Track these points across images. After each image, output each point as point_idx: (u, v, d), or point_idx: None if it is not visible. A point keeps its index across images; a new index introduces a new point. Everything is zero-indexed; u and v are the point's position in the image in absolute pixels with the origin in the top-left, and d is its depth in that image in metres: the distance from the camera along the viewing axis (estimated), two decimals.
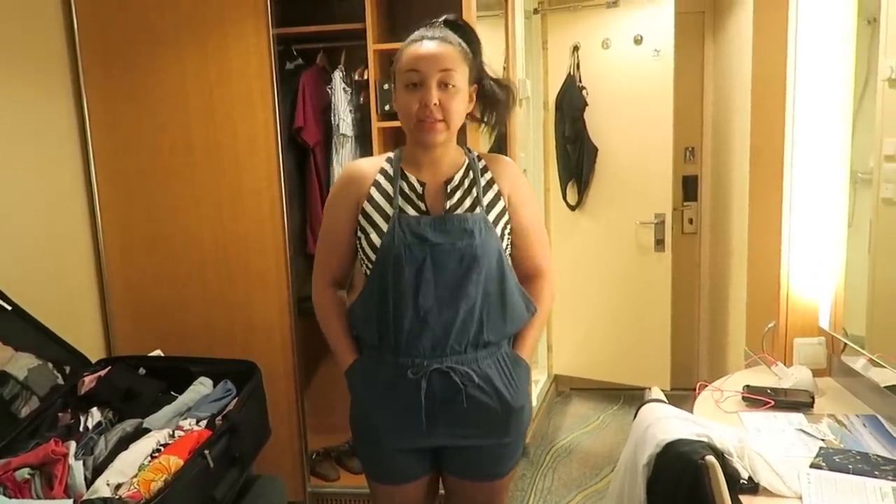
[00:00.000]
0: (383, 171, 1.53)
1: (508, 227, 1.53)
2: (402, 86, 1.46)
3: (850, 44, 1.92)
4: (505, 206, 1.52)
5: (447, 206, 1.47)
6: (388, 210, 1.48)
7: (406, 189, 1.50)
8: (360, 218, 1.50)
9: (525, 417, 1.56)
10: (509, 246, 1.55)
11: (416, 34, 1.48)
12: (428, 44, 1.44)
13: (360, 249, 1.53)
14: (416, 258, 1.42)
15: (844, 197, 1.97)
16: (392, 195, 1.49)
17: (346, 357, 1.57)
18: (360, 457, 1.68)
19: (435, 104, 1.42)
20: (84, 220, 2.48)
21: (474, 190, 1.50)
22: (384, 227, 1.46)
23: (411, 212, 1.48)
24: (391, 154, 1.56)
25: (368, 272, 1.51)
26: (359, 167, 1.56)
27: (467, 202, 1.49)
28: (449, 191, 1.49)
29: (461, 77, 1.45)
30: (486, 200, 1.50)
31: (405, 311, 1.44)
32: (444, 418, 1.48)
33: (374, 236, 1.47)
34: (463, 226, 1.44)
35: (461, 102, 1.46)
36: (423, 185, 1.49)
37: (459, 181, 1.50)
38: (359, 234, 1.51)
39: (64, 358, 2.07)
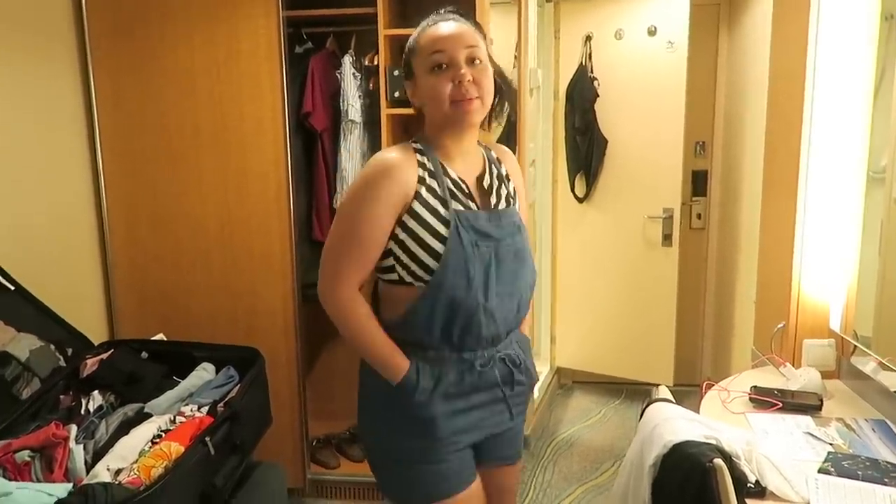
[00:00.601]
0: (423, 167, 1.39)
1: None
2: (427, 70, 1.37)
3: (872, 42, 1.88)
4: (517, 200, 1.53)
5: (493, 202, 1.45)
6: (442, 210, 1.37)
7: (452, 185, 1.41)
8: (408, 219, 1.36)
9: None
10: None
11: (429, 19, 1.44)
12: (446, 24, 1.39)
13: (401, 253, 1.37)
14: (484, 256, 1.38)
15: (860, 197, 1.93)
16: (441, 193, 1.38)
17: (401, 363, 1.40)
18: (417, 476, 1.44)
19: (469, 80, 1.35)
20: (89, 200, 2.46)
21: (503, 184, 1.49)
22: (439, 228, 1.36)
23: (463, 209, 1.40)
24: (415, 145, 1.42)
25: (414, 276, 1.37)
26: (397, 161, 1.37)
27: (503, 195, 1.48)
28: (486, 186, 1.45)
29: (485, 54, 1.40)
30: (511, 193, 1.51)
31: (477, 310, 1.38)
32: (510, 402, 1.50)
33: (429, 239, 1.35)
34: (514, 220, 1.45)
35: (491, 79, 1.40)
36: (463, 180, 1.43)
37: (491, 175, 1.48)
38: (402, 236, 1.37)
39: (66, 340, 2.07)
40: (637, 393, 3.69)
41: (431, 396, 1.40)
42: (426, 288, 1.36)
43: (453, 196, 1.39)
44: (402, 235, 1.36)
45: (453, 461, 1.43)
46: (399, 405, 1.41)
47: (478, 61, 1.37)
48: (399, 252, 1.37)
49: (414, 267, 1.37)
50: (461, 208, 1.39)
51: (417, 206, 1.36)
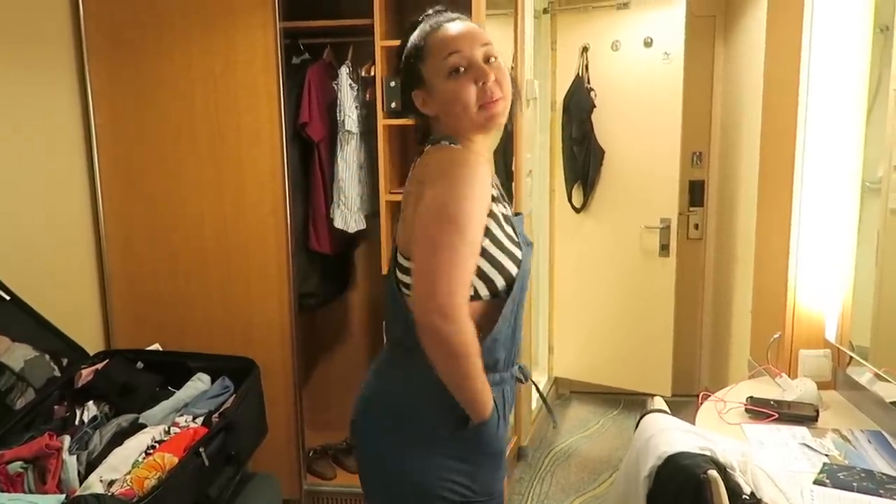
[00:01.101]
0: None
1: None
2: (445, 75, 1.26)
3: (865, 52, 1.89)
4: None
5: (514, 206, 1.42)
6: (507, 212, 1.30)
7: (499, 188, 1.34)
8: (491, 223, 1.24)
9: None
10: None
11: (430, 21, 1.32)
12: (454, 24, 1.29)
13: (484, 262, 1.23)
14: (529, 264, 1.31)
15: (855, 207, 1.94)
16: (498, 196, 1.29)
17: (490, 395, 1.25)
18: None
19: (493, 80, 1.26)
20: (86, 209, 2.46)
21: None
22: (512, 234, 1.27)
23: (510, 214, 1.32)
24: (455, 146, 1.30)
25: (493, 288, 1.25)
26: (483, 160, 1.28)
27: None
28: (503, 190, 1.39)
29: (497, 51, 1.31)
30: None
31: (521, 321, 1.32)
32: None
33: (510, 245, 1.26)
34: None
35: (508, 76, 1.31)
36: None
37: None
38: (485, 243, 1.23)
39: (61, 350, 2.06)
40: (635, 403, 3.68)
41: (503, 425, 1.30)
42: (504, 301, 1.25)
43: (502, 199, 1.32)
44: (486, 242, 1.23)
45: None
46: (474, 443, 1.27)
47: (493, 59, 1.29)
48: (482, 261, 1.23)
49: (496, 277, 1.24)
50: (509, 213, 1.31)
51: (496, 209, 1.26)
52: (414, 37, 1.33)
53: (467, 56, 1.26)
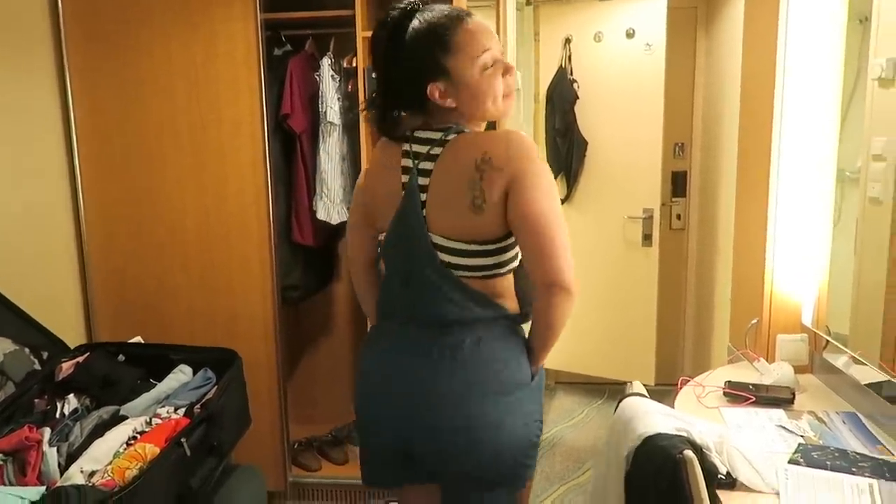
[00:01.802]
0: None
1: None
2: (479, 70, 1.37)
3: (840, 43, 1.91)
4: None
5: None
6: None
7: None
8: None
9: None
10: None
11: (450, 13, 1.38)
12: (475, 20, 1.39)
13: None
14: None
15: (831, 196, 1.96)
16: None
17: None
18: None
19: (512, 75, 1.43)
20: (66, 203, 2.45)
21: None
22: None
23: None
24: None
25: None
26: None
27: None
28: None
29: None
30: None
31: None
32: None
33: None
34: None
35: None
36: None
37: None
38: None
39: (42, 343, 2.05)
40: (619, 392, 3.65)
41: None
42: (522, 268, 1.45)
43: None
44: None
45: None
46: (539, 385, 1.53)
47: (503, 55, 1.43)
48: None
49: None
50: None
51: None
52: (426, 29, 1.37)
53: (496, 53, 1.39)
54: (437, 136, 1.42)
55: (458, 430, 1.38)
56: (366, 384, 1.53)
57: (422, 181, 1.41)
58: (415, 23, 1.38)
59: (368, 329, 1.63)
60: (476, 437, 1.38)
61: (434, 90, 1.38)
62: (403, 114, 1.46)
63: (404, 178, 1.43)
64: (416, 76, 1.39)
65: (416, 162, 1.42)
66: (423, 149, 1.43)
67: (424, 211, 1.40)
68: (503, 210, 1.35)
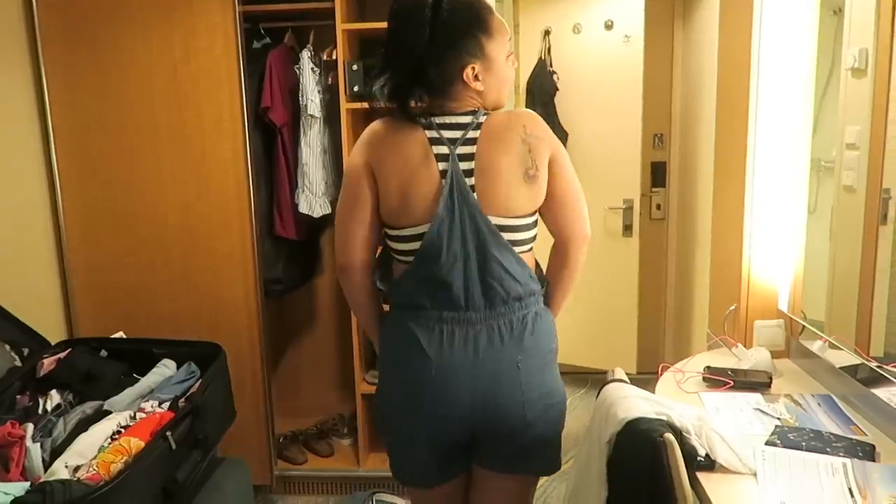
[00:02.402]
0: None
1: None
2: (505, 58, 1.47)
3: (814, 34, 1.94)
4: None
5: None
6: None
7: None
8: None
9: None
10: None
11: (487, 5, 1.45)
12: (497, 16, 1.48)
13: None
14: None
15: (805, 184, 2.00)
16: None
17: None
18: None
19: None
20: (44, 200, 2.42)
21: None
22: None
23: None
24: None
25: None
26: None
27: None
28: None
29: None
30: None
31: None
32: None
33: None
34: None
35: None
36: None
37: None
38: None
39: (22, 340, 2.03)
40: (602, 381, 3.71)
41: None
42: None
43: None
44: None
45: None
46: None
47: None
48: None
49: None
50: None
51: None
52: (468, 9, 1.41)
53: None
54: (467, 119, 1.44)
55: (536, 401, 1.48)
56: (419, 383, 1.45)
57: (464, 165, 1.42)
58: (451, 2, 1.39)
59: (388, 327, 1.57)
60: (550, 404, 1.52)
61: (470, 71, 1.42)
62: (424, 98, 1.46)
63: (442, 166, 1.42)
64: (458, 54, 1.41)
65: (454, 147, 1.42)
66: (455, 134, 1.43)
67: (475, 194, 1.42)
68: (547, 178, 1.46)
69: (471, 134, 1.43)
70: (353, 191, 1.48)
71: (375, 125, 1.49)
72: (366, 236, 1.50)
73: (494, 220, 1.43)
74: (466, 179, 1.42)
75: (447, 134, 1.43)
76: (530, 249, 1.52)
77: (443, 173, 1.42)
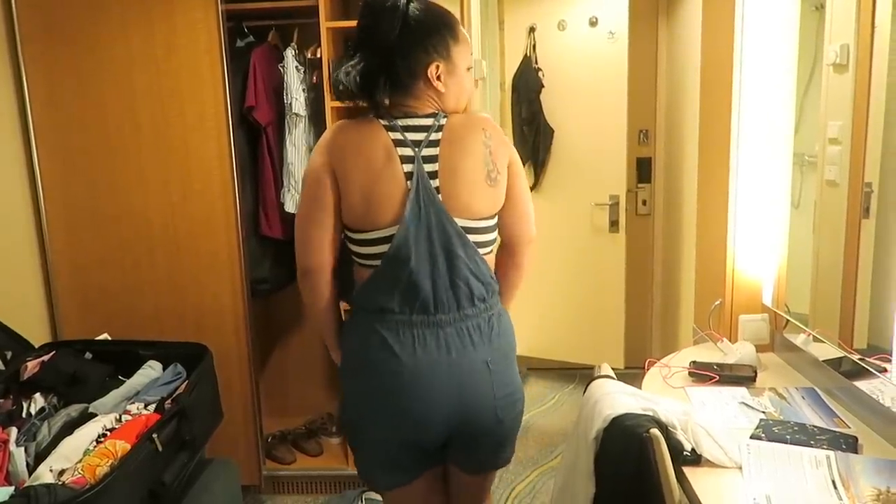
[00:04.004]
0: None
1: None
2: (466, 68, 1.50)
3: (797, 30, 1.96)
4: None
5: None
6: None
7: None
8: None
9: None
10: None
11: (454, 16, 1.49)
12: None
13: None
14: None
15: (788, 179, 2.02)
16: None
17: None
18: None
19: None
20: (26, 200, 2.39)
21: None
22: None
23: None
24: None
25: None
26: None
27: None
28: None
29: None
30: None
31: None
32: None
33: None
34: None
35: None
36: None
37: None
38: None
39: (5, 343, 2.01)
40: (589, 377, 3.72)
41: None
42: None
43: None
44: None
45: None
46: None
47: None
48: None
49: None
50: None
51: None
52: (440, 13, 1.46)
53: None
54: (429, 122, 1.45)
55: (505, 398, 1.51)
56: (394, 388, 1.44)
57: (428, 168, 1.42)
58: (419, 4, 1.43)
59: (352, 333, 1.56)
60: (515, 400, 1.55)
61: (434, 69, 1.44)
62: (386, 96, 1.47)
63: (407, 168, 1.41)
64: (426, 49, 1.43)
65: (418, 150, 1.42)
66: (419, 136, 1.43)
67: (440, 196, 1.42)
68: (506, 181, 1.50)
69: (433, 136, 1.44)
70: (314, 192, 1.46)
71: (337, 126, 1.49)
72: (328, 238, 1.48)
73: (459, 222, 1.44)
74: (431, 181, 1.42)
75: (411, 136, 1.43)
76: (491, 251, 1.55)
77: (408, 175, 1.42)
